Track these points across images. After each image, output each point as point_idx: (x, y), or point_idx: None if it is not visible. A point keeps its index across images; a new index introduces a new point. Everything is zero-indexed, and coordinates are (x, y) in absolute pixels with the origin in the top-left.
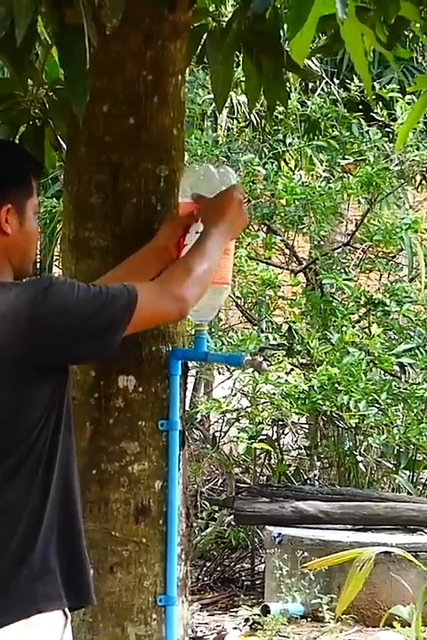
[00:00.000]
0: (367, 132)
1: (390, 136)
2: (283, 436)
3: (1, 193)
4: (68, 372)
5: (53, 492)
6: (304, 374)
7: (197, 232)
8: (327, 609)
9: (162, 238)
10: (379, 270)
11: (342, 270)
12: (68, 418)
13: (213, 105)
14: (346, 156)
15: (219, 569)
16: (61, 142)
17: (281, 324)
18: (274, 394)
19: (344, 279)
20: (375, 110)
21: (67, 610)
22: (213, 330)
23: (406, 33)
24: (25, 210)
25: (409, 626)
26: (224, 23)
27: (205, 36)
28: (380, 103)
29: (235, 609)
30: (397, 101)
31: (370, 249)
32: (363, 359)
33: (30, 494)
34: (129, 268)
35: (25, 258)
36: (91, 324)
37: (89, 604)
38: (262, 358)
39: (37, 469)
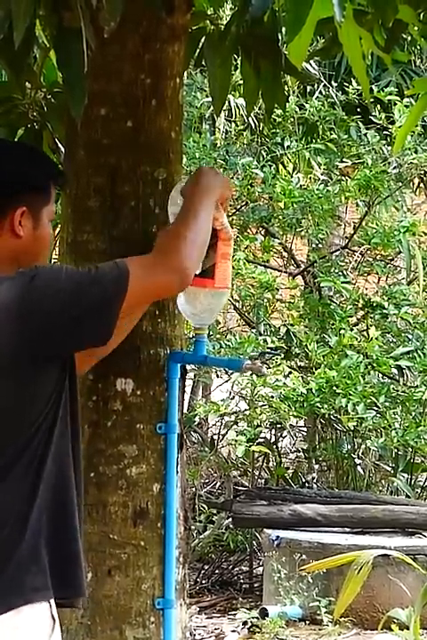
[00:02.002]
0: (365, 135)
1: (388, 139)
2: (281, 438)
3: (17, 196)
4: (68, 369)
5: (45, 483)
6: (302, 377)
7: None
8: (325, 612)
9: None
10: (377, 273)
11: (341, 273)
12: (64, 416)
13: (211, 108)
14: (344, 159)
15: (217, 572)
16: (59, 145)
17: (279, 327)
18: (272, 397)
19: (342, 282)
20: (373, 113)
21: (53, 601)
22: (211, 333)
23: (404, 36)
24: (41, 216)
25: (407, 629)
26: (222, 26)
27: (203, 39)
28: (378, 106)
29: (233, 612)
30: (395, 104)
31: (368, 252)
32: (361, 362)
33: (19, 487)
34: None
35: (35, 263)
36: (82, 304)
37: (79, 597)
38: (262, 362)
39: (31, 465)
